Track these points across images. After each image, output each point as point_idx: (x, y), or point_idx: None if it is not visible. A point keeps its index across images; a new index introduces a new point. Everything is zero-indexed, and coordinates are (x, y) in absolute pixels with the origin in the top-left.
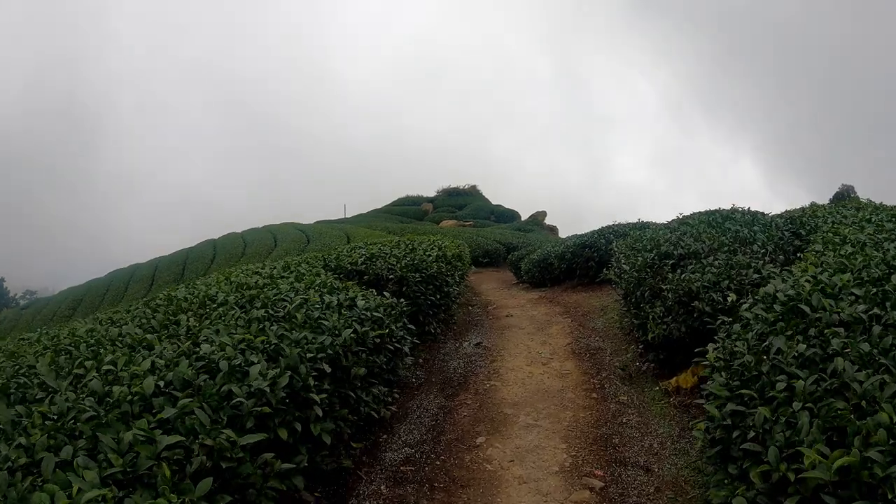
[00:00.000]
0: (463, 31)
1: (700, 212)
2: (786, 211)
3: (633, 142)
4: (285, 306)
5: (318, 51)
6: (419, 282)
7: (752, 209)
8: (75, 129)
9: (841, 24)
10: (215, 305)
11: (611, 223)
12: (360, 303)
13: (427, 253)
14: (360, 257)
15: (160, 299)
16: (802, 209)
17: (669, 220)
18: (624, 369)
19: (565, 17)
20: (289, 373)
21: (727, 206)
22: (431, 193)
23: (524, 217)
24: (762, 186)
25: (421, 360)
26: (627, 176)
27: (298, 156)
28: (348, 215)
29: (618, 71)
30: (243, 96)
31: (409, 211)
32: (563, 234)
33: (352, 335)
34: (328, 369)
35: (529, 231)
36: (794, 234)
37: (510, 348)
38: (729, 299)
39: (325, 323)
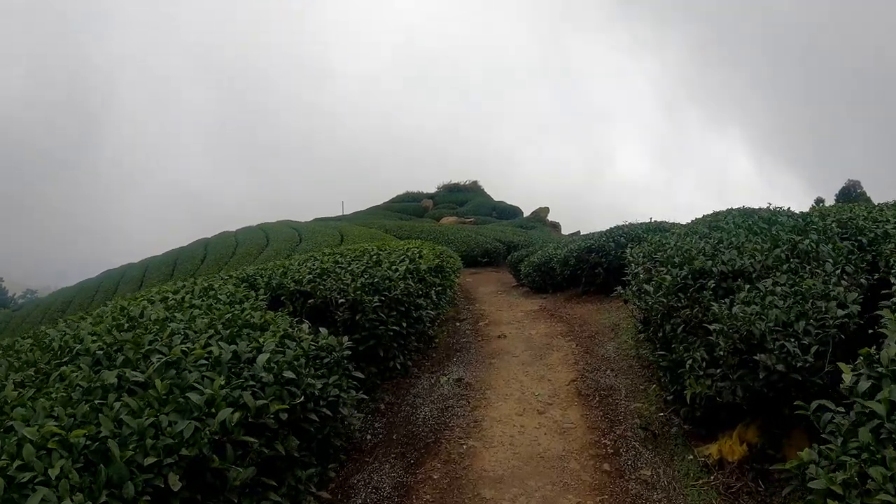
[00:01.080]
0: (463, 26)
1: (731, 211)
2: (816, 208)
3: (633, 135)
4: (153, 363)
5: (320, 46)
6: (379, 307)
7: (794, 210)
8: (81, 126)
9: (840, 16)
10: (68, 358)
11: (620, 223)
12: (262, 357)
13: (394, 267)
14: (309, 273)
15: (28, 341)
16: (851, 209)
17: (690, 219)
18: (646, 427)
19: (565, 9)
20: (103, 498)
21: (730, 198)
22: (432, 190)
23: (526, 214)
24: (759, 178)
25: (382, 406)
26: (629, 169)
27: (305, 153)
28: (347, 212)
29: (618, 64)
30: (245, 94)
31: (408, 208)
32: (565, 231)
33: (233, 417)
34: (177, 485)
35: (531, 228)
36: (854, 244)
37: (499, 386)
38: (845, 380)
39: (194, 398)
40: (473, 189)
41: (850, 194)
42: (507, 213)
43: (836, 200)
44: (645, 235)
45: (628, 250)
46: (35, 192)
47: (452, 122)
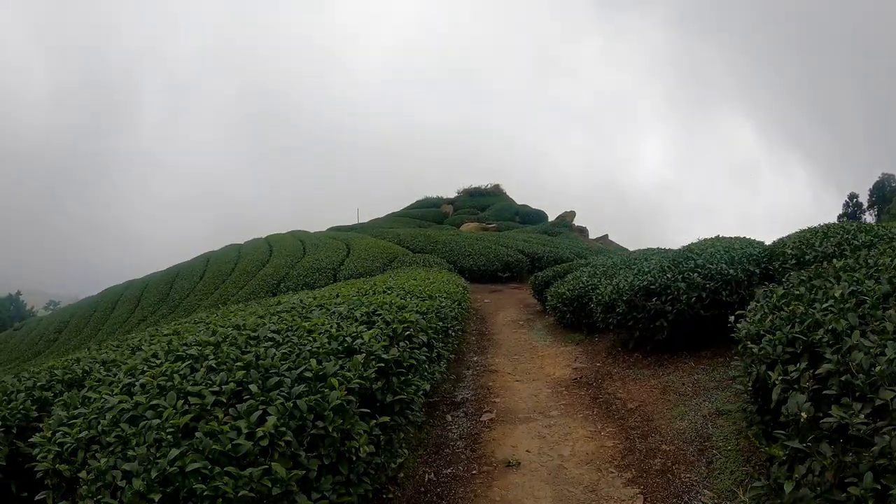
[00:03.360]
0: (488, 27)
1: (877, 242)
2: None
3: (655, 133)
4: None
5: (352, 42)
6: None
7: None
8: (109, 133)
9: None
10: None
11: (691, 242)
12: None
13: (251, 419)
14: (72, 440)
15: None
16: None
17: (789, 232)
18: None
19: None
20: None
21: (752, 191)
22: (452, 194)
23: (552, 218)
24: (777, 172)
25: None
26: (652, 166)
27: (336, 160)
28: (364, 219)
29: (635, 62)
30: (270, 97)
31: (427, 214)
32: (592, 236)
33: None
34: None
35: (557, 234)
36: None
37: None
38: None
39: None
40: (495, 193)
41: (885, 188)
42: (531, 217)
43: (869, 196)
44: (731, 272)
45: (738, 323)
46: (64, 202)
47: (471, 125)
